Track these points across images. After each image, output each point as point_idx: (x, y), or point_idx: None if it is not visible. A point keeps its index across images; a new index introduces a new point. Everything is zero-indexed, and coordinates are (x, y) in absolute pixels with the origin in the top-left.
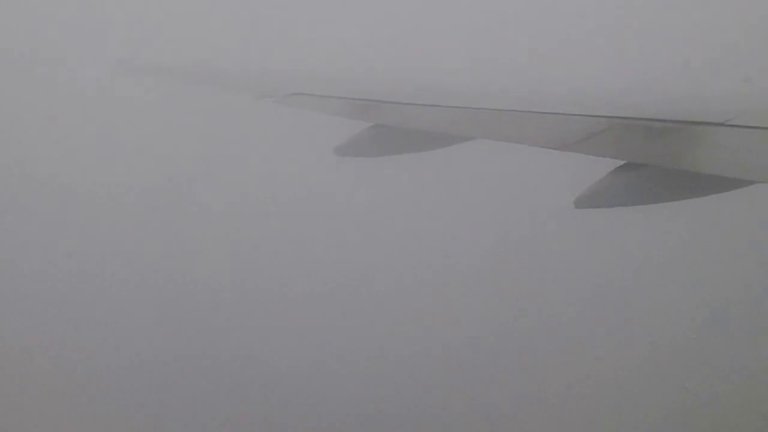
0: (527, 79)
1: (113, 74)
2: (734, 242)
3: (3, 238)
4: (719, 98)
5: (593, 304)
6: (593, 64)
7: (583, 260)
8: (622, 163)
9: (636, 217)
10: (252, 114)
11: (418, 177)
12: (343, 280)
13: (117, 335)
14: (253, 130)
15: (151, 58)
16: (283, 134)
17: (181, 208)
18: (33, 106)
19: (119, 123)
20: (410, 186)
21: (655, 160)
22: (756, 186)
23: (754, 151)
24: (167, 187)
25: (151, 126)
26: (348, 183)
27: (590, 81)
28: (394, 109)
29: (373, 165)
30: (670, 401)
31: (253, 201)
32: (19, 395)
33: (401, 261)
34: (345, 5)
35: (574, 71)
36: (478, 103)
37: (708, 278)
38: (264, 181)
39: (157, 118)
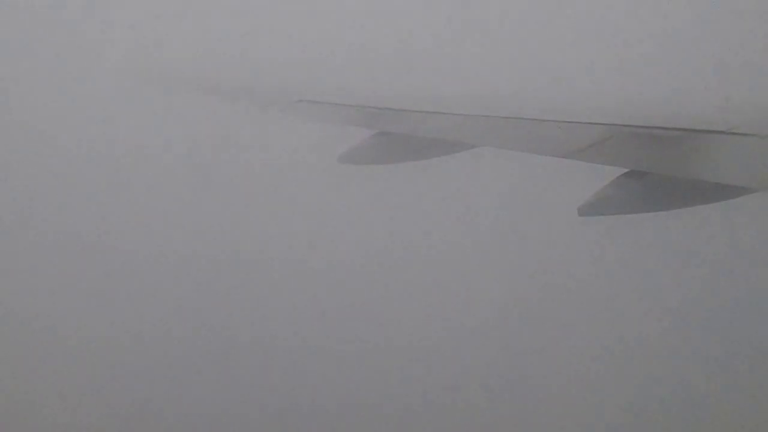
0: (532, 87)
1: (116, 81)
2: (736, 250)
3: (10, 236)
4: (722, 106)
5: (595, 309)
6: (597, 73)
7: (586, 267)
8: (625, 171)
9: (639, 225)
10: (256, 121)
11: (423, 185)
12: (347, 288)
13: (122, 338)
14: (257, 138)
15: (154, 65)
16: (288, 142)
17: (183, 216)
18: (35, 111)
19: (120, 130)
20: (414, 194)
21: (659, 168)
22: (760, 194)
23: (757, 159)
24: (169, 194)
25: (154, 133)
26: (352, 191)
27: (594, 89)
28: (399, 117)
29: (378, 172)
30: (671, 406)
31: (255, 207)
32: (35, 384)
33: (406, 269)
34: (349, 13)
35: (578, 79)
36: (483, 111)
37: (710, 286)
38: (267, 188)
39: (160, 125)
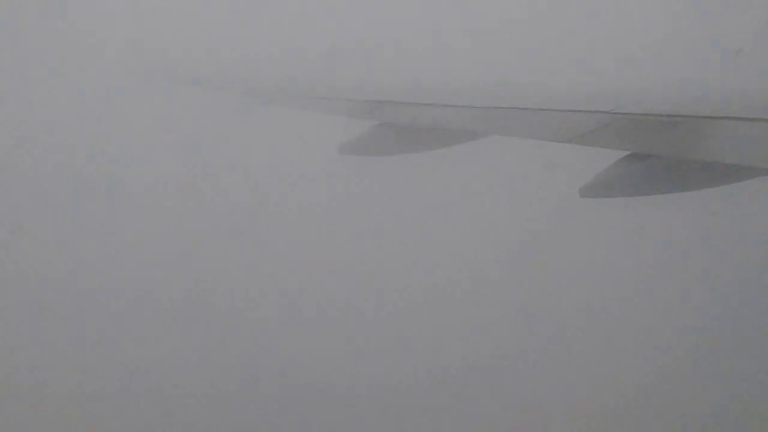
0: (533, 76)
1: (113, 76)
2: (737, 233)
3: (7, 239)
4: (717, 95)
5: (597, 291)
6: (598, 63)
7: (587, 248)
8: (627, 153)
9: (640, 208)
10: (257, 114)
11: (425, 175)
12: (349, 280)
13: (121, 337)
14: (257, 131)
15: (155, 61)
16: (290, 134)
17: (184, 210)
18: (33, 108)
19: (118, 125)
20: (417, 184)
21: (659, 150)
22: (760, 178)
23: (755, 142)
24: (169, 189)
25: (156, 128)
26: (354, 182)
27: (594, 79)
28: (400, 108)
29: (380, 163)
30: (676, 393)
31: (256, 201)
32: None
33: (409, 259)
34: (350, 6)
35: (579, 70)
36: (485, 101)
37: (711, 269)
38: (268, 181)
39: (162, 119)
